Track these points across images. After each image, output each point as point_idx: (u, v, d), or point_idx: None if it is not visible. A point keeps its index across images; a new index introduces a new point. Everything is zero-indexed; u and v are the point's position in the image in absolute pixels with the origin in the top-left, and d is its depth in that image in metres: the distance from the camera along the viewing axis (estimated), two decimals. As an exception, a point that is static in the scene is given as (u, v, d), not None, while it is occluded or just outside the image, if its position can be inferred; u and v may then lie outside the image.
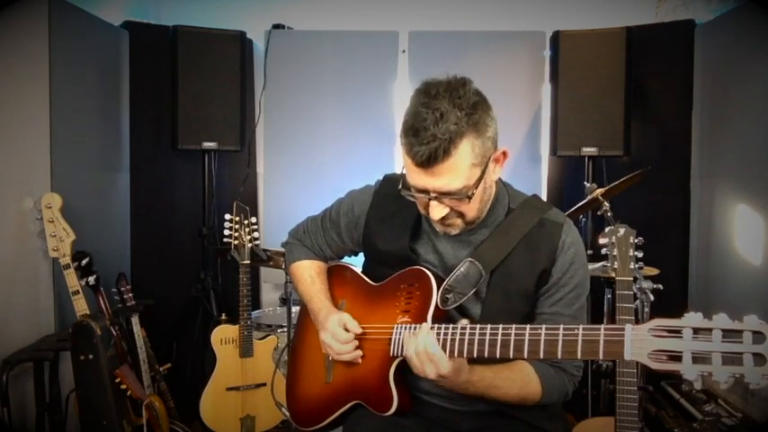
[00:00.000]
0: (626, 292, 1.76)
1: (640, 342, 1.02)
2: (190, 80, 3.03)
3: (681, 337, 0.98)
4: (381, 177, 1.62)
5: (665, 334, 1.00)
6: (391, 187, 1.55)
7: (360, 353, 1.46)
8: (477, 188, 1.29)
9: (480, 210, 1.38)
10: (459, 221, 1.37)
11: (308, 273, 1.67)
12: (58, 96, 2.47)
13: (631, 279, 1.78)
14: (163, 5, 3.56)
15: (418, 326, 1.34)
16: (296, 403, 1.66)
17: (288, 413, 1.72)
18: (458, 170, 1.26)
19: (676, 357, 0.98)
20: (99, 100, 2.94)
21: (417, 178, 1.29)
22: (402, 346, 1.36)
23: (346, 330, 1.46)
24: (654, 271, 2.29)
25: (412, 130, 1.25)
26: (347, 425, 1.51)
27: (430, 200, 1.31)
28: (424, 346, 1.26)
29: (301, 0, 3.55)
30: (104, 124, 2.99)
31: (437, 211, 1.32)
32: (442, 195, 1.30)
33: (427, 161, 1.24)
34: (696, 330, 0.98)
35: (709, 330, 0.96)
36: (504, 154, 1.36)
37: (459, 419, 1.45)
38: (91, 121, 2.85)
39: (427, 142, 1.22)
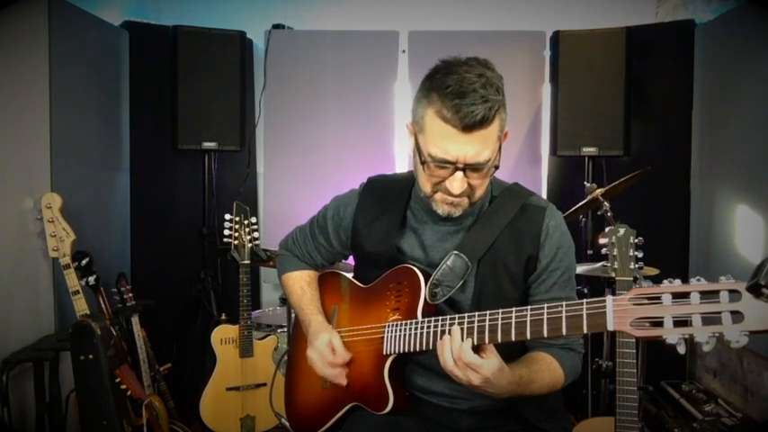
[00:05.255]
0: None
1: (622, 312, 1.03)
2: (190, 80, 3.03)
3: (660, 302, 0.99)
4: (365, 180, 1.62)
5: (646, 301, 1.01)
6: (376, 189, 1.56)
7: (344, 380, 1.46)
8: (497, 162, 1.31)
9: (486, 190, 1.39)
10: (465, 201, 1.35)
11: (299, 284, 1.67)
12: (57, 96, 2.47)
13: (631, 279, 1.78)
14: (163, 5, 3.56)
15: (409, 321, 1.36)
16: (294, 411, 1.66)
17: (287, 423, 1.71)
18: (490, 140, 1.27)
19: (658, 323, 0.99)
20: (99, 100, 2.94)
21: (451, 146, 1.26)
22: (396, 344, 1.37)
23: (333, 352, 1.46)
24: (654, 271, 2.28)
25: (458, 93, 1.22)
26: (346, 426, 1.50)
27: (456, 170, 1.28)
28: (459, 353, 1.21)
29: (301, 0, 3.55)
30: (104, 124, 3.00)
31: (459, 183, 1.29)
32: (467, 167, 1.28)
33: (480, 122, 1.22)
34: (675, 295, 0.99)
35: (687, 294, 0.97)
36: (505, 135, 1.37)
37: (458, 419, 1.45)
38: (91, 121, 2.85)
39: (481, 102, 1.21)
